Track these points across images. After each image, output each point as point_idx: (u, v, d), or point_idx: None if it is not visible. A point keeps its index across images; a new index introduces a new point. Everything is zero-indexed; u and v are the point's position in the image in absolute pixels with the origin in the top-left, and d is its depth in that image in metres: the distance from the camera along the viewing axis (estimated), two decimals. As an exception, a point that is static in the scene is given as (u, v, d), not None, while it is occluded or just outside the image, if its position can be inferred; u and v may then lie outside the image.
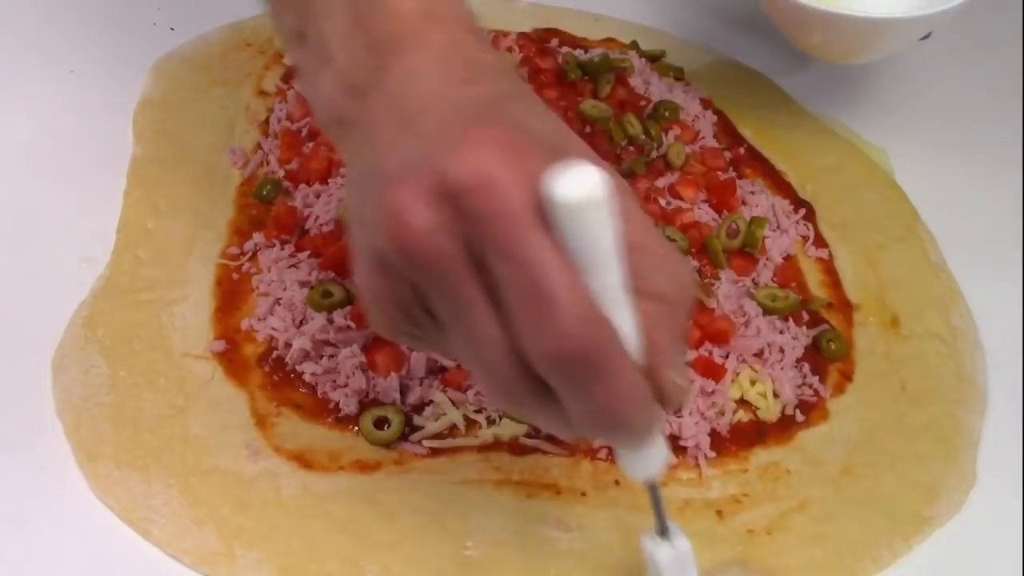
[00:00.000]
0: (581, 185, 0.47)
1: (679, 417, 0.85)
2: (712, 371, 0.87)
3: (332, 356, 0.86)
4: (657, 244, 0.56)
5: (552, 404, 0.52)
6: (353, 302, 0.88)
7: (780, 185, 1.07)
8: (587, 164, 0.48)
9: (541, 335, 0.49)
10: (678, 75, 1.16)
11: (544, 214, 0.48)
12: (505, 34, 1.16)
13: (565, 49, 1.15)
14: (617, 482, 0.82)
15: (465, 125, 0.51)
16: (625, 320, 0.52)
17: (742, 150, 1.10)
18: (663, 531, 0.70)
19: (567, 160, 0.48)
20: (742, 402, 0.88)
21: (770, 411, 0.88)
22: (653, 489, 0.67)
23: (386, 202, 0.50)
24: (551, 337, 0.48)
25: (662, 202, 1.00)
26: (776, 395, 0.89)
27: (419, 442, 0.83)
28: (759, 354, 0.90)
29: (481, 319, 0.51)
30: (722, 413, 0.87)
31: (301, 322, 0.88)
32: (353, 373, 0.85)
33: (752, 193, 1.03)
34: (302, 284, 0.90)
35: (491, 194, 0.48)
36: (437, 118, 0.53)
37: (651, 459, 0.61)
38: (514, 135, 0.51)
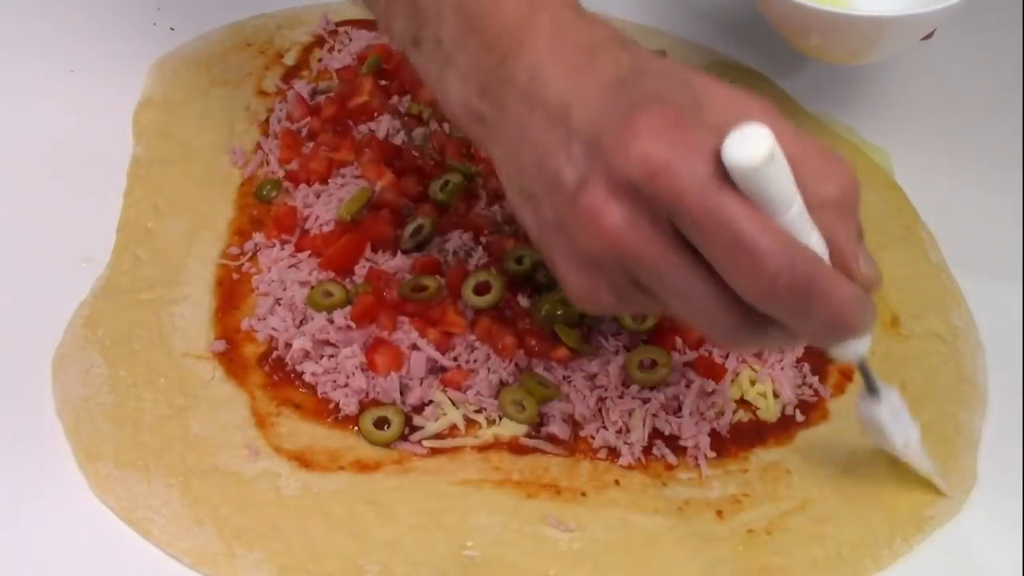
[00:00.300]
0: (754, 147, 0.52)
1: (679, 417, 0.85)
2: (712, 371, 0.87)
3: (332, 356, 0.86)
4: (812, 152, 0.59)
5: (777, 331, 0.58)
6: (353, 302, 0.88)
7: (780, 185, 1.07)
8: (751, 126, 0.53)
9: (757, 281, 0.54)
10: (678, 75, 1.16)
11: (722, 175, 0.53)
12: (505, 34, 1.16)
13: (565, 49, 1.15)
14: (617, 482, 0.82)
15: (617, 115, 0.55)
16: (814, 239, 0.57)
17: (742, 150, 1.09)
18: (873, 389, 0.76)
19: (722, 120, 0.54)
20: (742, 402, 0.88)
21: (770, 411, 0.88)
22: (862, 362, 0.73)
23: (580, 210, 0.56)
24: (766, 280, 0.54)
25: (662, 202, 0.99)
26: (776, 395, 0.89)
27: (419, 442, 0.83)
28: (759, 354, 0.90)
29: (694, 282, 0.56)
30: (722, 413, 0.87)
31: (301, 322, 0.89)
32: (353, 373, 0.85)
33: (752, 193, 1.03)
34: (302, 284, 0.90)
35: (669, 178, 0.53)
36: (586, 115, 0.57)
37: (863, 340, 0.67)
38: (663, 114, 0.55)
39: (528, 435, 0.84)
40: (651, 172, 0.53)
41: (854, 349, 0.68)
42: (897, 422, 0.78)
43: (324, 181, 0.99)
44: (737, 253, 0.53)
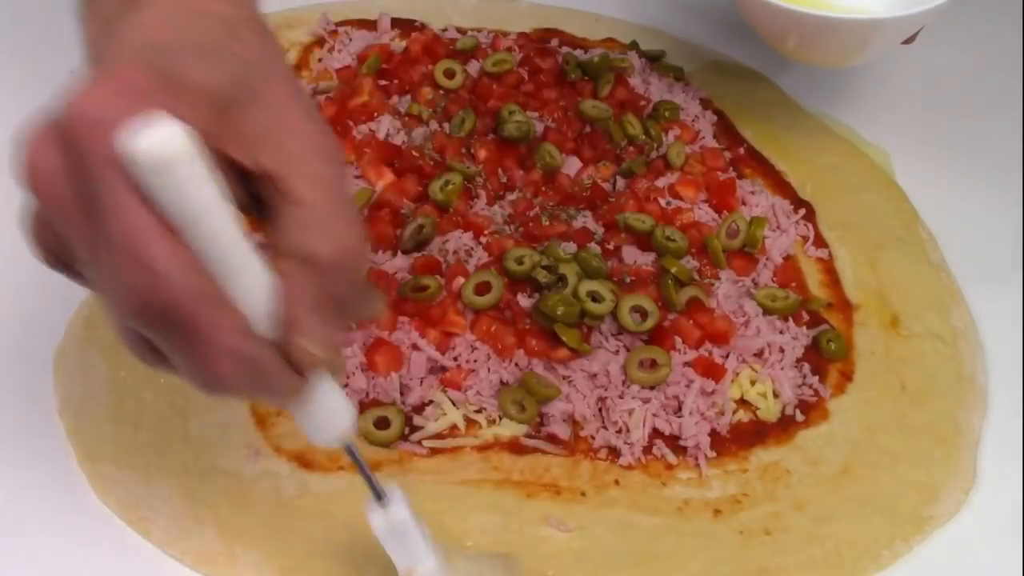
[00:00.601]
0: (155, 141, 0.44)
1: (679, 417, 0.85)
2: (712, 371, 0.87)
3: (332, 356, 0.86)
4: (327, 203, 0.52)
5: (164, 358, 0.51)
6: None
7: (780, 185, 1.07)
8: (166, 119, 0.44)
9: (124, 290, 0.47)
10: (678, 75, 1.16)
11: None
12: (505, 34, 1.17)
13: (565, 49, 1.15)
14: (617, 482, 0.82)
15: (112, 65, 0.49)
16: (248, 280, 0.49)
17: (742, 150, 1.10)
18: (378, 496, 0.66)
19: (156, 114, 0.45)
20: (742, 402, 0.88)
21: (770, 411, 0.88)
22: (349, 452, 0.63)
23: (25, 140, 0.48)
24: (132, 293, 0.47)
25: (662, 202, 1.00)
26: (776, 395, 0.89)
27: (419, 442, 0.83)
28: (759, 354, 0.90)
29: (96, 268, 0.49)
30: (722, 413, 0.87)
31: (301, 322, 0.88)
32: (353, 373, 0.85)
33: (752, 193, 1.03)
34: (302, 284, 0.90)
35: (93, 136, 0.45)
36: (109, 60, 0.51)
37: (327, 423, 0.58)
38: (149, 77, 0.47)
39: (528, 435, 0.84)
40: (80, 124, 0.45)
41: (319, 428, 0.58)
42: (401, 541, 0.67)
43: (324, 181, 0.99)
44: (117, 252, 0.46)
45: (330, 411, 0.58)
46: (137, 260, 0.46)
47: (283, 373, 0.52)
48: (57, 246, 0.51)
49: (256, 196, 0.54)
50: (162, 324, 0.48)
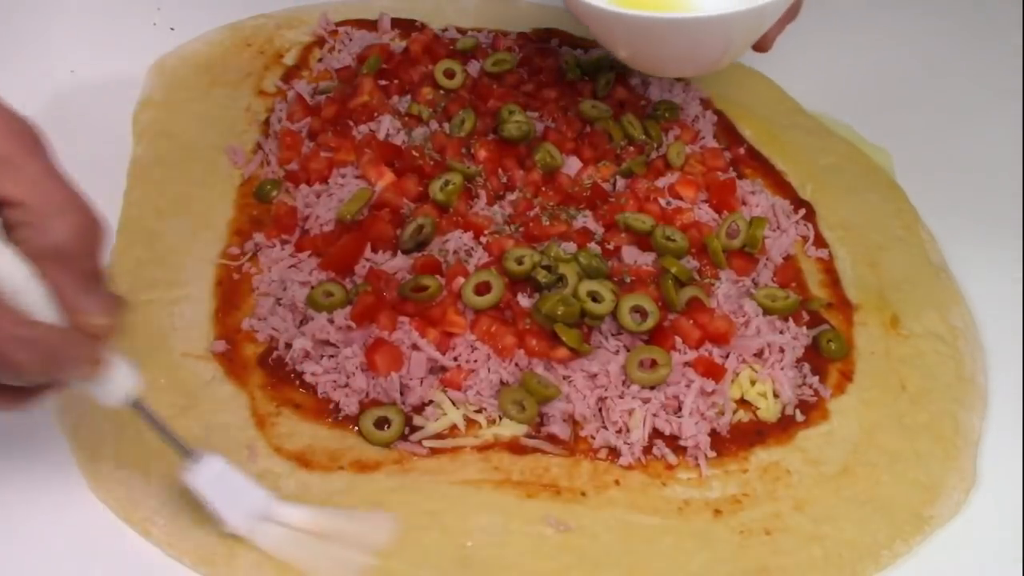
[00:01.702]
0: None
1: (679, 417, 0.85)
2: (712, 371, 0.87)
3: (333, 356, 0.86)
4: (44, 197, 0.59)
5: None
6: (353, 302, 0.88)
7: (780, 185, 1.07)
8: None
9: None
10: (678, 75, 1.16)
11: None
12: (505, 34, 1.17)
13: (565, 49, 1.15)
14: (617, 482, 0.82)
15: None
16: (18, 285, 0.58)
17: (742, 150, 1.10)
18: (186, 454, 0.71)
19: None
20: (742, 402, 0.88)
21: (770, 411, 0.88)
22: (142, 410, 0.69)
23: None
24: None
25: (662, 202, 1.00)
26: (776, 395, 0.89)
27: (419, 442, 0.83)
28: (759, 354, 0.90)
29: None
30: (722, 413, 0.87)
31: (302, 322, 0.89)
32: (354, 373, 0.85)
33: (752, 193, 1.03)
34: (302, 284, 0.90)
35: None
36: None
37: (115, 386, 0.66)
38: None
39: (528, 435, 0.84)
40: None
41: (109, 392, 0.66)
42: (224, 494, 0.71)
43: (324, 181, 0.99)
44: None
45: (116, 374, 0.65)
46: None
47: (79, 345, 0.61)
48: None
49: None
50: None
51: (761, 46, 0.99)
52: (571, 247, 0.92)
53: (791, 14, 0.97)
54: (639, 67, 1.03)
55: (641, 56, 0.99)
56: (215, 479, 0.71)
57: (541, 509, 0.80)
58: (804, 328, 0.93)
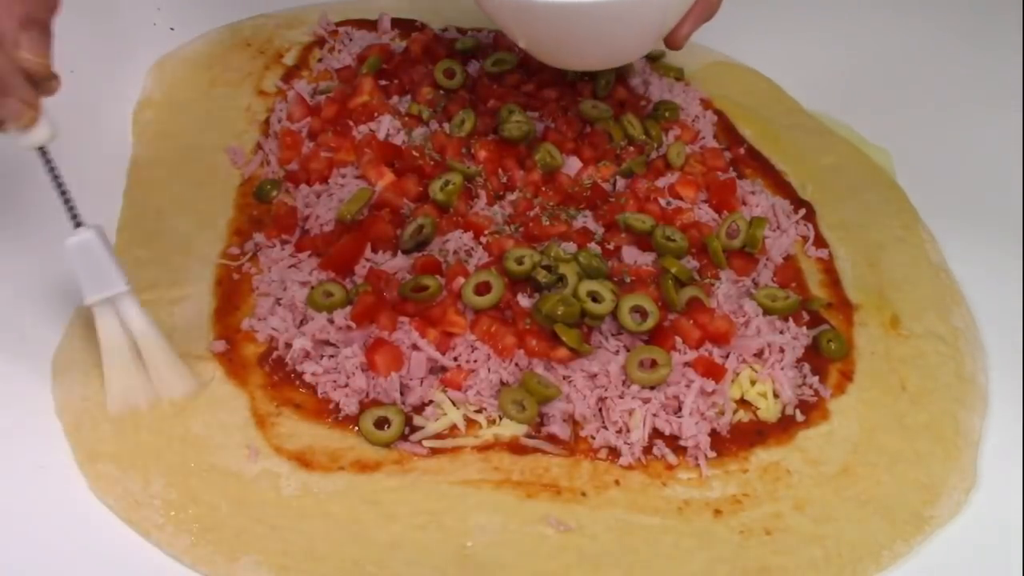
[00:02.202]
0: None
1: (679, 417, 0.85)
2: (712, 371, 0.87)
3: (333, 356, 0.86)
4: None
5: None
6: (353, 302, 0.88)
7: (780, 185, 1.07)
8: None
9: None
10: (678, 75, 1.16)
11: None
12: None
13: (565, 49, 1.15)
14: (617, 482, 0.82)
15: None
16: None
17: (742, 150, 1.10)
18: (73, 217, 0.77)
19: None
20: (742, 402, 0.88)
21: (770, 411, 0.88)
22: (44, 159, 0.77)
23: None
24: None
25: (662, 202, 1.00)
26: (776, 395, 0.89)
27: (419, 442, 0.83)
28: (759, 354, 0.90)
29: None
30: (722, 413, 0.87)
31: (302, 322, 0.89)
32: (354, 373, 0.85)
33: (752, 193, 1.03)
34: (302, 284, 0.90)
35: None
36: None
37: (36, 134, 0.74)
38: None
39: (528, 435, 0.84)
40: None
41: (25, 137, 0.73)
42: (90, 267, 0.78)
43: (324, 181, 0.99)
44: None
45: (42, 123, 0.74)
46: None
47: (19, 77, 0.69)
48: None
49: None
50: None
51: (672, 42, 0.97)
52: (571, 247, 0.92)
53: (706, 12, 0.96)
54: (544, 59, 1.01)
55: (541, 46, 0.98)
56: (86, 251, 0.78)
57: (541, 509, 0.80)
58: (804, 328, 0.93)
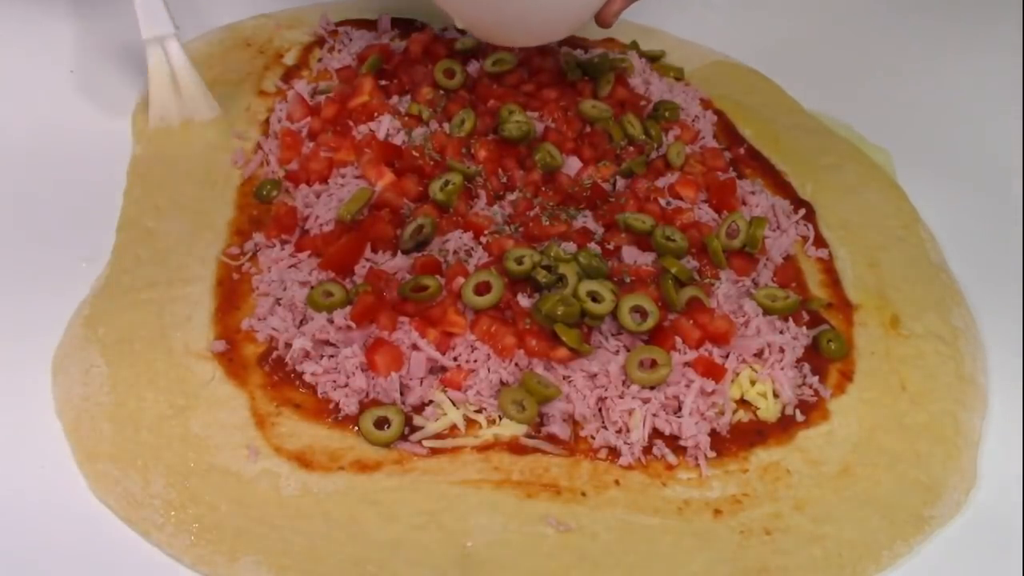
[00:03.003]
0: None
1: (679, 417, 0.85)
2: (712, 371, 0.87)
3: (332, 356, 0.86)
4: None
5: None
6: (353, 302, 0.88)
7: (780, 185, 1.07)
8: None
9: None
10: (678, 75, 1.16)
11: None
12: (505, 34, 1.17)
13: (565, 49, 1.15)
14: (617, 482, 0.82)
15: None
16: None
17: (742, 150, 1.10)
18: None
19: None
20: (742, 402, 0.88)
21: (770, 411, 0.88)
22: None
23: None
24: None
25: (662, 202, 1.00)
26: (776, 395, 0.88)
27: (419, 442, 0.83)
28: (759, 354, 0.90)
29: None
30: (722, 413, 0.87)
31: (301, 322, 0.89)
32: (354, 373, 0.85)
33: (752, 193, 1.03)
34: (302, 284, 0.90)
35: None
36: None
37: None
38: None
39: (528, 435, 0.84)
40: None
41: None
42: (149, 11, 0.97)
43: (324, 181, 0.99)
44: None
45: None
46: None
47: None
48: None
49: None
50: None
51: (602, 19, 1.01)
52: (571, 247, 0.92)
53: None
54: (480, 35, 1.05)
55: (476, 23, 1.02)
56: None
57: (541, 509, 0.80)
58: (804, 328, 0.93)
